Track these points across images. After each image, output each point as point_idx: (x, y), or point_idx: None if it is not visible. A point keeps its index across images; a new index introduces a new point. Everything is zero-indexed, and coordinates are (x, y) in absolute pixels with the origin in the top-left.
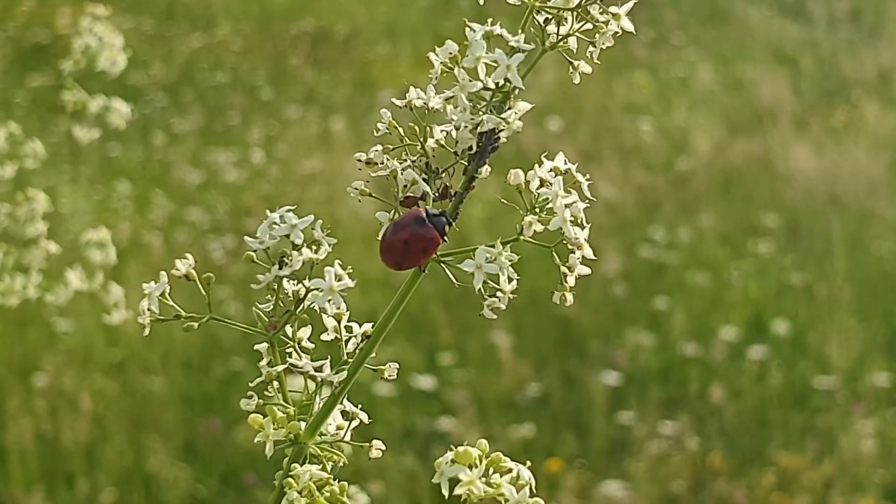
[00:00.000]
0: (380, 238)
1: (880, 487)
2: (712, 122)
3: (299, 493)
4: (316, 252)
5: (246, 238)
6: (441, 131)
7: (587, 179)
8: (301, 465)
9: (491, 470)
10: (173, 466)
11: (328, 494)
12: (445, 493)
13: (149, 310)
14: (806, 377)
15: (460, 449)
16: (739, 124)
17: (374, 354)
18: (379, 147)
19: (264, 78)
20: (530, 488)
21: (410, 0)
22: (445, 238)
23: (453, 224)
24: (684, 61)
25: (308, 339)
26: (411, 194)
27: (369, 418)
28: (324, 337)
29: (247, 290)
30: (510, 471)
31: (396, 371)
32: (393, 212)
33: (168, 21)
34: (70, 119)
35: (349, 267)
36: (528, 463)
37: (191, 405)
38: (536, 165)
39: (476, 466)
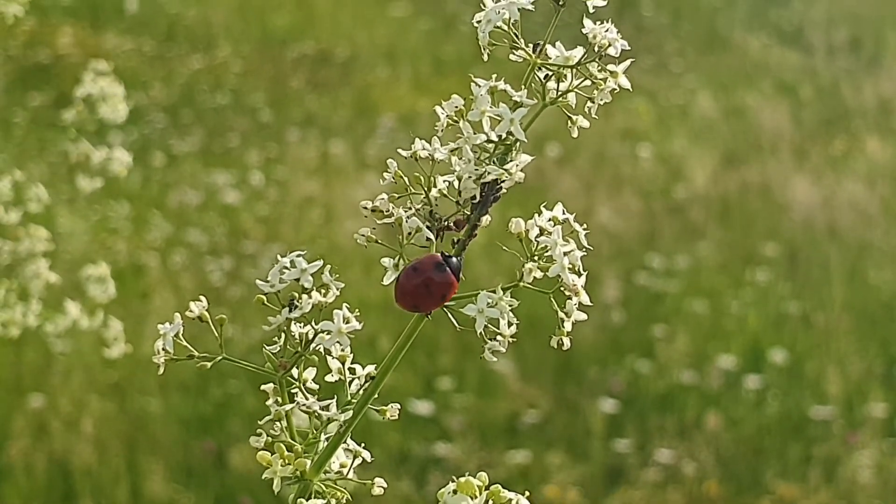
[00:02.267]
0: (397, 281)
1: None
2: (711, 150)
3: None
4: (325, 296)
5: (257, 281)
6: (444, 181)
7: (584, 229)
8: (307, 501)
9: (491, 502)
10: (169, 488)
11: None
12: None
13: (163, 350)
14: (803, 406)
15: (462, 480)
16: (738, 152)
17: (377, 395)
18: (384, 196)
19: (264, 100)
20: None
21: (411, 23)
22: (459, 280)
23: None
24: (683, 88)
25: (312, 379)
26: (461, 217)
27: (369, 453)
28: (328, 378)
29: (244, 311)
30: (510, 501)
31: (398, 412)
32: (398, 257)
33: (168, 42)
34: (74, 169)
35: (356, 311)
36: (527, 493)
37: (187, 427)
38: (536, 215)
39: (476, 497)
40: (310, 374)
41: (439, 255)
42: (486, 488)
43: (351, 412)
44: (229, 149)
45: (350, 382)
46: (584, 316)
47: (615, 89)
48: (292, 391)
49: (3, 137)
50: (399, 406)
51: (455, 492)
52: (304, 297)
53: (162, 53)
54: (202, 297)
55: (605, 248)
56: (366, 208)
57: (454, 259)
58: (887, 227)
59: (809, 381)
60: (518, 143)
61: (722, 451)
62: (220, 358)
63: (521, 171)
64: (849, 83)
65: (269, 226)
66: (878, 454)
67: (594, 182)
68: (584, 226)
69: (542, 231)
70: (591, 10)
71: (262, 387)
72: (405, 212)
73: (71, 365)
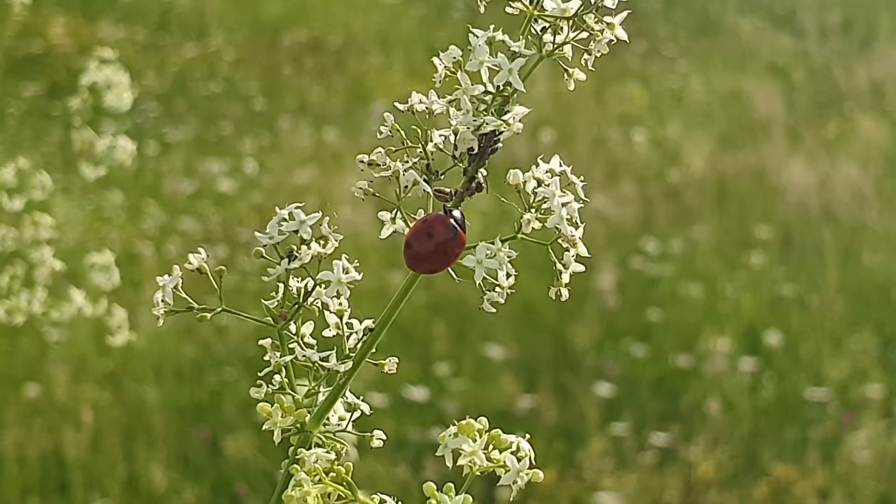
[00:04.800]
0: (408, 246)
1: (874, 499)
2: (706, 134)
3: (307, 473)
4: (324, 247)
5: (256, 233)
6: (440, 135)
7: (581, 181)
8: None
9: (491, 446)
10: (165, 476)
11: (334, 475)
12: (449, 464)
13: (163, 301)
14: (799, 388)
15: (463, 422)
16: (732, 136)
17: (374, 350)
18: (381, 149)
19: (257, 88)
20: (529, 459)
21: (404, 10)
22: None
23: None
24: (677, 73)
25: (310, 335)
26: (476, 184)
27: (367, 405)
28: (325, 333)
29: (238, 300)
30: (510, 444)
31: (395, 365)
32: (395, 211)
33: (161, 31)
34: (70, 159)
35: (355, 261)
36: (528, 435)
37: (182, 415)
38: (533, 166)
39: (476, 440)
40: (307, 328)
41: (444, 213)
42: (487, 432)
43: (350, 363)
44: (223, 137)
45: (348, 337)
46: (581, 267)
47: (612, 41)
48: (290, 346)
49: None
50: (397, 359)
51: (456, 434)
52: (304, 248)
53: (155, 42)
54: (201, 249)
55: (600, 234)
56: (362, 162)
57: (458, 213)
58: (881, 209)
59: (805, 363)
60: (515, 95)
61: (718, 433)
62: (219, 309)
63: (519, 122)
64: (841, 66)
65: (263, 214)
66: (875, 435)
67: (589, 167)
68: (582, 178)
69: (539, 182)
70: None
71: (261, 341)
72: (402, 165)
73: (66, 354)
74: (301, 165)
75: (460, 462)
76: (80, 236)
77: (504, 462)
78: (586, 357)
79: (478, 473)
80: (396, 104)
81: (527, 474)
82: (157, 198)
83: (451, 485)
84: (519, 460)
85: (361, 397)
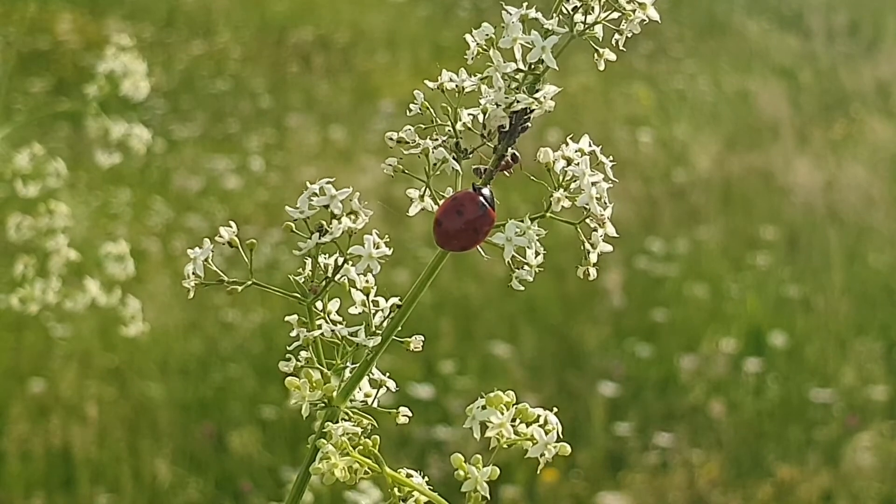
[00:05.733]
0: (438, 224)
1: (878, 501)
2: (712, 134)
3: (334, 446)
4: (354, 222)
5: (287, 208)
6: (468, 114)
7: (610, 160)
8: (335, 425)
9: (518, 420)
10: (170, 472)
11: (361, 448)
12: (477, 436)
13: (193, 273)
14: (803, 390)
15: (491, 394)
16: (739, 137)
17: (399, 328)
18: (410, 127)
19: (264, 86)
20: (557, 433)
21: (410, 9)
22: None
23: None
24: (683, 73)
25: (336, 311)
26: (511, 156)
27: (394, 382)
28: (351, 311)
29: (245, 297)
30: (538, 417)
31: (422, 343)
32: (424, 188)
33: (168, 28)
34: (93, 143)
35: (386, 236)
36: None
37: (187, 411)
38: (563, 145)
39: (504, 413)
40: (334, 305)
41: (473, 191)
42: (514, 405)
43: (379, 337)
44: (229, 134)
45: (374, 315)
46: (609, 248)
47: (644, 20)
48: (317, 322)
49: (2, 123)
50: (423, 337)
51: (484, 407)
52: (335, 222)
53: (162, 39)
54: (232, 223)
55: None
56: (391, 139)
57: (487, 191)
58: (887, 210)
59: (809, 364)
60: (546, 73)
61: (722, 434)
62: (249, 282)
63: (551, 100)
64: (848, 67)
65: (269, 211)
66: (879, 437)
67: (595, 167)
68: (611, 157)
69: (568, 162)
70: None
71: (287, 318)
72: (431, 143)
73: (71, 349)
74: (307, 163)
75: (488, 434)
76: (86, 232)
77: (532, 435)
78: (591, 356)
79: (504, 447)
80: (426, 82)
81: (555, 447)
82: (164, 194)
83: (478, 456)
84: (546, 433)
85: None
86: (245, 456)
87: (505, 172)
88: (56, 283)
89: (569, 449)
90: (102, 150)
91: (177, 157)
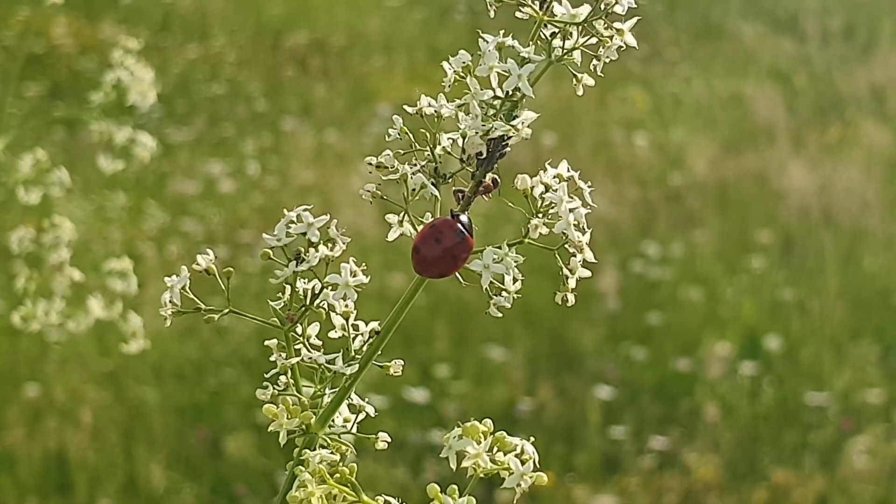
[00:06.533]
0: (416, 251)
1: None
2: (707, 137)
3: (311, 474)
4: (331, 250)
5: (264, 235)
6: (448, 138)
7: (589, 186)
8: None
9: (495, 448)
10: (165, 477)
11: (338, 476)
12: (453, 466)
13: (170, 302)
14: (798, 393)
15: (468, 424)
16: (734, 140)
17: (380, 352)
18: (389, 152)
19: (260, 89)
20: (533, 462)
21: (406, 13)
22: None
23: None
24: (679, 77)
25: (316, 336)
26: (491, 180)
27: (373, 407)
28: (331, 335)
29: (240, 301)
30: (514, 447)
31: (401, 368)
32: (403, 214)
33: (163, 32)
34: (96, 148)
35: (363, 264)
36: (532, 438)
37: (182, 416)
38: (541, 171)
39: (481, 442)
40: (313, 330)
41: (451, 218)
42: (491, 434)
43: (356, 365)
44: (225, 138)
45: (353, 339)
46: (587, 273)
47: (622, 47)
48: (296, 347)
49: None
50: (402, 362)
51: (460, 436)
52: (311, 250)
53: (157, 43)
54: (209, 250)
55: (601, 237)
56: (370, 164)
57: (465, 218)
58: (882, 214)
59: (805, 367)
60: (524, 100)
61: (718, 438)
62: (226, 310)
63: (528, 128)
64: (843, 71)
65: (265, 215)
66: (874, 441)
67: (590, 170)
68: (589, 183)
69: (547, 188)
70: None
71: (266, 342)
72: (410, 168)
73: (66, 354)
74: (303, 167)
75: (465, 464)
76: (81, 236)
77: (508, 465)
78: (587, 360)
79: (481, 476)
80: (405, 107)
81: (530, 477)
82: (159, 199)
83: (454, 486)
84: (523, 463)
85: (366, 399)
86: (240, 460)
87: (484, 196)
88: (59, 303)
89: (545, 478)
90: (105, 155)
91: (172, 160)
